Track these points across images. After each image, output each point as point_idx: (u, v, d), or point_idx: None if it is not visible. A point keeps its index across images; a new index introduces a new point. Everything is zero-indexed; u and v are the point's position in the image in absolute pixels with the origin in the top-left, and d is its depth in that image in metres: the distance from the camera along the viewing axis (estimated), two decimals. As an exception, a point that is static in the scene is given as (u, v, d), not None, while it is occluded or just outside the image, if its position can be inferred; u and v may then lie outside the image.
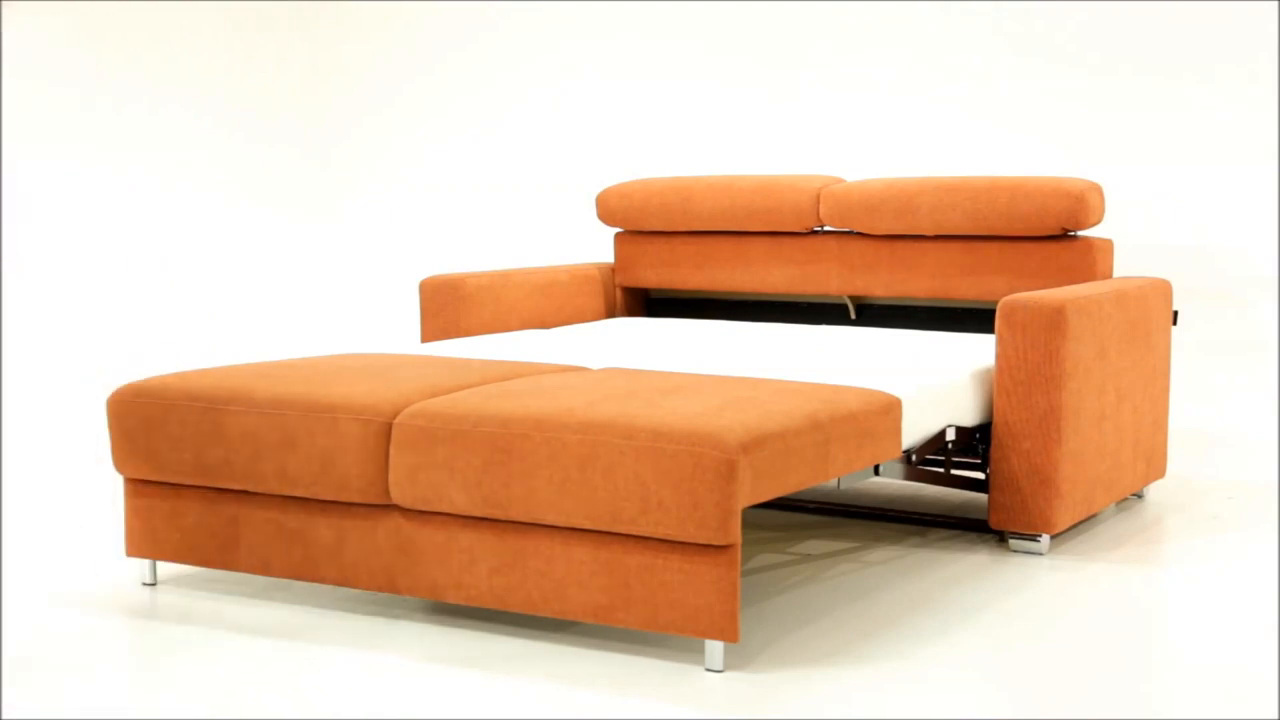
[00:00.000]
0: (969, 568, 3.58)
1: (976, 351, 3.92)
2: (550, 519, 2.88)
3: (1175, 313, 4.29)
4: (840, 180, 4.69)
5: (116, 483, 4.56)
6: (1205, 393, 5.10)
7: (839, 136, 5.57)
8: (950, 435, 3.62)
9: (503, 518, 2.93)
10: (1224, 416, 5.08)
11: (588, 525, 2.84)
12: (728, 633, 2.76)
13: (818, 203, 4.60)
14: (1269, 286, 5.01)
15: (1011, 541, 3.74)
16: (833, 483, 3.16)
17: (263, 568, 3.24)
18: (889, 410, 3.25)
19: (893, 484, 4.57)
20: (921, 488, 4.51)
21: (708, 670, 2.81)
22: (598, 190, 5.94)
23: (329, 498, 3.12)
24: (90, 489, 4.48)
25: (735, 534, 2.72)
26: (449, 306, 4.47)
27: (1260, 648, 2.96)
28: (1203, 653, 2.93)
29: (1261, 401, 5.04)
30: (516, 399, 3.01)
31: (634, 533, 2.80)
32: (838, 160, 5.56)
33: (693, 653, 2.91)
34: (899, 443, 3.32)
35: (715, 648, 2.81)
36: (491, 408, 2.97)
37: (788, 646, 2.97)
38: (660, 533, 2.77)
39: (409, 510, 3.05)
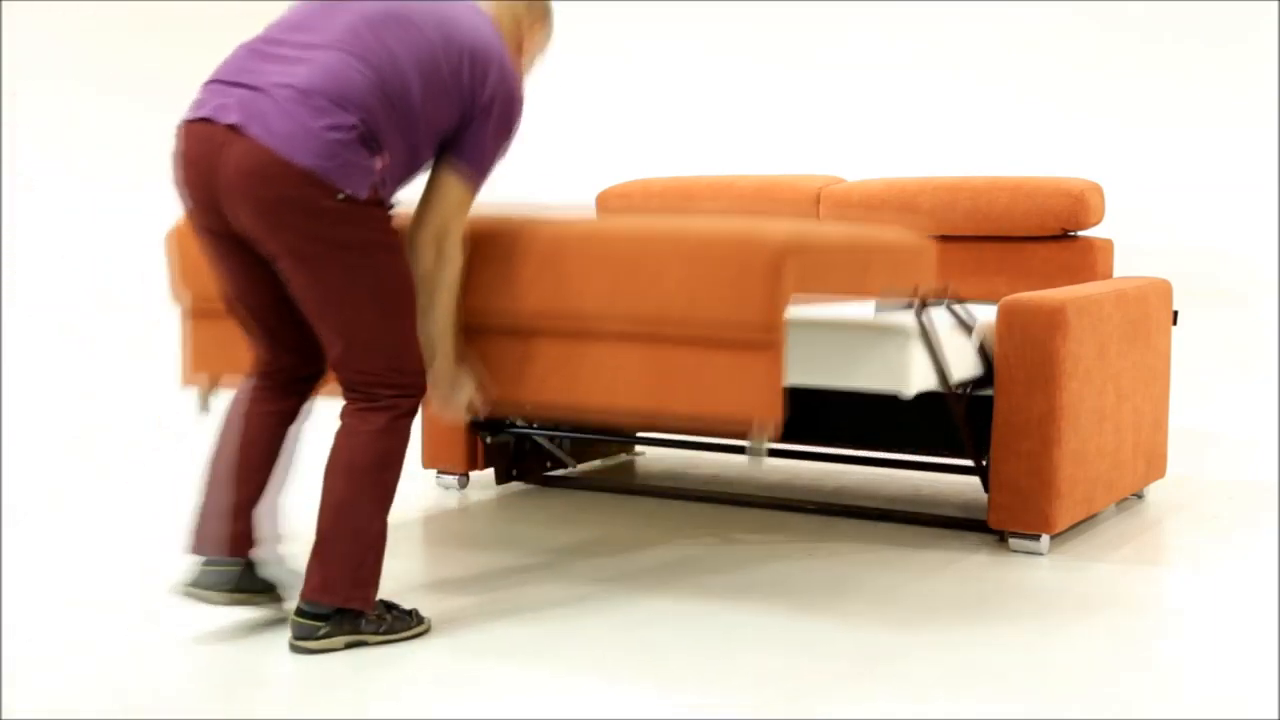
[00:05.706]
0: (969, 568, 3.58)
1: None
2: (600, 324, 2.95)
3: (1175, 313, 4.29)
4: (840, 180, 4.69)
5: (117, 483, 4.56)
6: (1205, 393, 5.10)
7: (839, 136, 5.57)
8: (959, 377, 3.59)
9: (552, 328, 3.00)
10: (1224, 416, 5.08)
11: (637, 328, 2.92)
12: (773, 416, 2.83)
13: (818, 203, 4.60)
14: (1269, 286, 5.01)
15: (1011, 541, 3.74)
16: (870, 311, 3.24)
17: None
18: (923, 251, 3.34)
19: (893, 484, 4.58)
20: (921, 488, 4.51)
21: (751, 453, 2.92)
22: (598, 190, 5.95)
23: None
24: (90, 489, 4.48)
25: (780, 330, 2.81)
26: (449, 306, 4.47)
27: (1260, 648, 2.96)
28: (1203, 653, 2.93)
29: (1261, 401, 5.05)
30: (563, 224, 3.09)
31: (682, 333, 2.88)
32: (838, 160, 5.56)
33: (695, 658, 2.91)
34: (934, 276, 3.40)
35: (760, 432, 2.88)
36: (541, 228, 3.05)
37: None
38: (708, 332, 2.85)
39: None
